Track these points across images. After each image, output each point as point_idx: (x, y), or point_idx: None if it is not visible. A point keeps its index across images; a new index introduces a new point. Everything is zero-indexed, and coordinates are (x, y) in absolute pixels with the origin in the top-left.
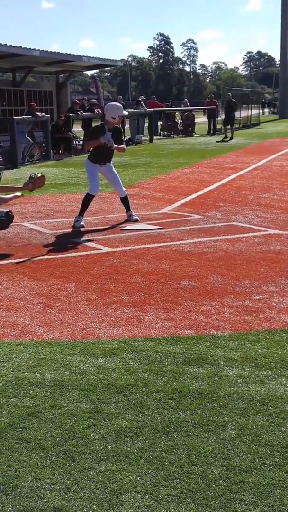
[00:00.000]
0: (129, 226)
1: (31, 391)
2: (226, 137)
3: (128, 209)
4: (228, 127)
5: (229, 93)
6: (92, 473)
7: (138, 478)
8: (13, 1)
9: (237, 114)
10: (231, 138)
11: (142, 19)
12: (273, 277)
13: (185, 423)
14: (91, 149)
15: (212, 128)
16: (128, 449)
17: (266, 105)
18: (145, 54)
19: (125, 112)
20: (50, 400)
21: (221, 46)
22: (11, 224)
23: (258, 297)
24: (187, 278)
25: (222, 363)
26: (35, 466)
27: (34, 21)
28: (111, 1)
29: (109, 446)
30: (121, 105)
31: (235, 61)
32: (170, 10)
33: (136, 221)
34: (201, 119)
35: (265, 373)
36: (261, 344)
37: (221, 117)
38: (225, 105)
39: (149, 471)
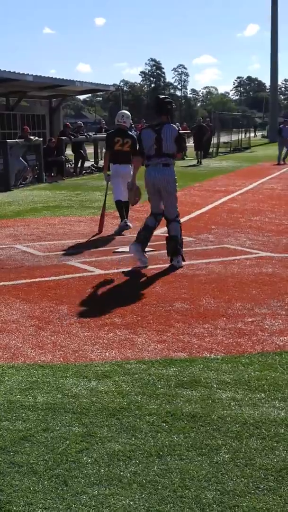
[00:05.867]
0: (121, 249)
1: (23, 415)
2: (198, 162)
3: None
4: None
5: (201, 117)
6: (85, 497)
7: (131, 503)
8: (16, 27)
9: (227, 138)
10: (200, 163)
11: (140, 44)
12: (265, 299)
13: (179, 446)
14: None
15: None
16: (121, 473)
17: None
18: (139, 78)
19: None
20: (42, 423)
21: (217, 71)
22: (3, 246)
23: (250, 320)
24: (179, 300)
25: (215, 386)
26: (27, 491)
27: (35, 46)
28: (111, 26)
29: (102, 470)
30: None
31: (228, 86)
32: (168, 36)
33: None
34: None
35: (258, 396)
36: (254, 367)
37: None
38: (196, 129)
39: (143, 495)
